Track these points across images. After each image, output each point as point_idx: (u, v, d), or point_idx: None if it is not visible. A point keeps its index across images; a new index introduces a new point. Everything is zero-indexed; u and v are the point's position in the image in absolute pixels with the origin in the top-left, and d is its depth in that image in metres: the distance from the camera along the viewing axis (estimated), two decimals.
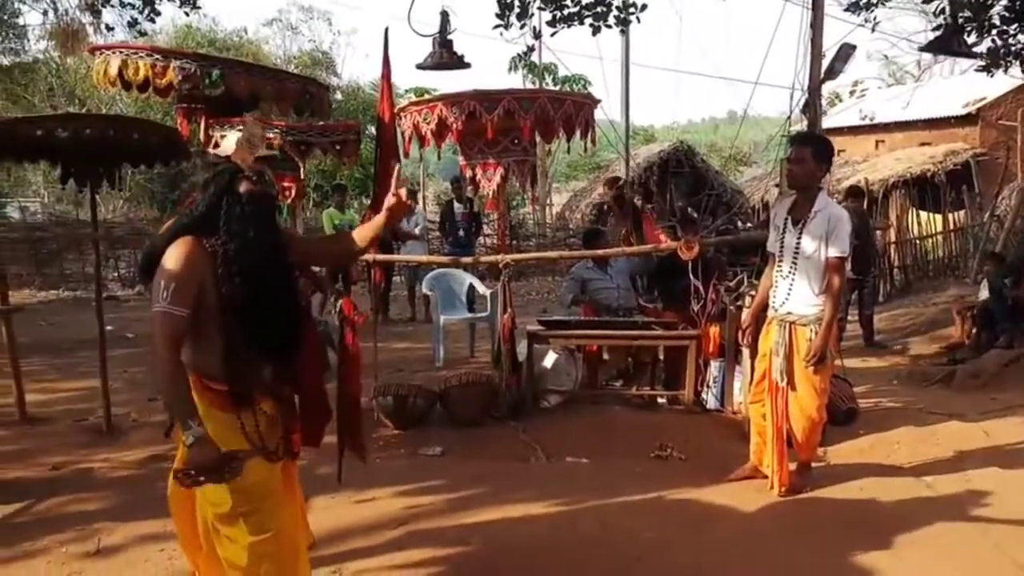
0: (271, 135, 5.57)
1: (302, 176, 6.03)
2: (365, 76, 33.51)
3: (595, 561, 3.44)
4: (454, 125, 5.22)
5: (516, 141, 5.39)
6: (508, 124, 5.22)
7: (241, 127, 2.60)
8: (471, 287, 8.29)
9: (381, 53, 5.46)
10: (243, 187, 2.38)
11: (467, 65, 5.93)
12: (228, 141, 2.53)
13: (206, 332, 2.33)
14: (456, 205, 10.32)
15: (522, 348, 5.74)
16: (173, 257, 2.27)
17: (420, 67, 5.87)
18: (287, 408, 2.60)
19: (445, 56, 5.75)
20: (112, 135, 4.77)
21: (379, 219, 2.68)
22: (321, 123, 6.19)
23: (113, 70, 5.24)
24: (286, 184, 5.95)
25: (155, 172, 18.26)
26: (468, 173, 5.63)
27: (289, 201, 6.14)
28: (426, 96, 7.39)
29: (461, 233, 10.08)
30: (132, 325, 9.62)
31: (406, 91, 19.42)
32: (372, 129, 10.10)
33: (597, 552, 3.52)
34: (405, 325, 10.18)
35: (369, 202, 5.97)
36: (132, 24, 8.94)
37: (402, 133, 5.65)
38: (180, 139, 5.44)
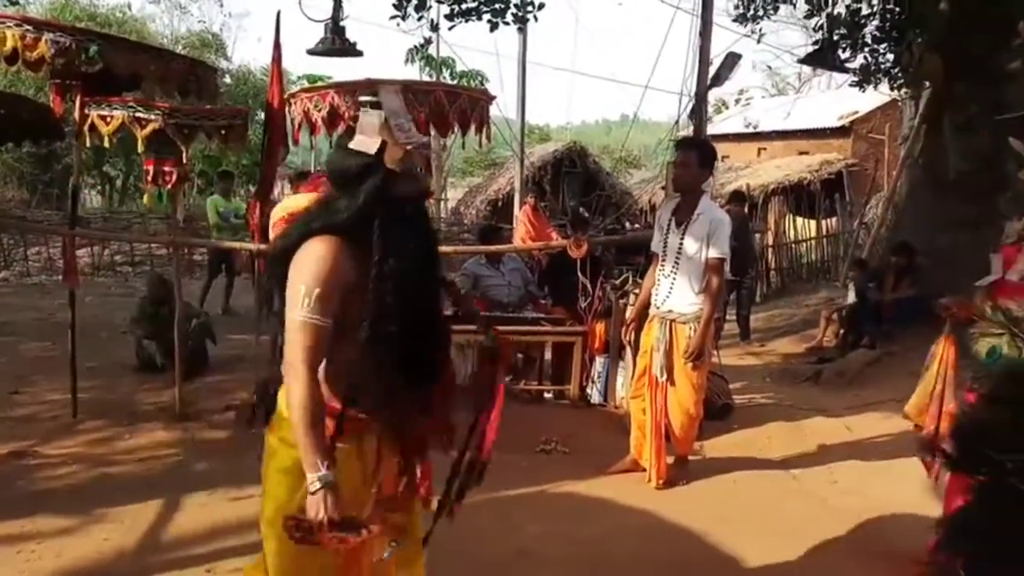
0: (152, 116, 5.33)
1: (184, 161, 5.80)
2: (257, 61, 32.42)
3: (478, 554, 3.46)
4: (346, 113, 5.13)
5: None
6: None
7: (372, 106, 2.13)
8: None
9: (272, 37, 5.33)
10: (398, 190, 2.00)
11: (359, 53, 5.83)
12: (368, 127, 2.03)
13: (336, 346, 1.97)
14: None
15: None
16: (317, 257, 1.91)
17: (311, 52, 5.75)
18: (412, 446, 2.20)
19: (337, 43, 5.64)
20: None
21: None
22: (207, 107, 5.96)
23: None
24: (167, 169, 5.69)
25: (24, 151, 17.14)
26: None
27: (170, 187, 5.89)
28: (319, 83, 7.24)
29: None
30: None
31: (299, 78, 18.93)
32: (263, 115, 9.80)
33: (481, 546, 3.54)
34: None
35: (255, 189, 5.80)
36: None
37: (291, 120, 5.51)
38: (53, 117, 5.13)
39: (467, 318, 2.64)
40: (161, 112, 5.38)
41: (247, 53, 58.04)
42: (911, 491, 4.05)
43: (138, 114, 4.94)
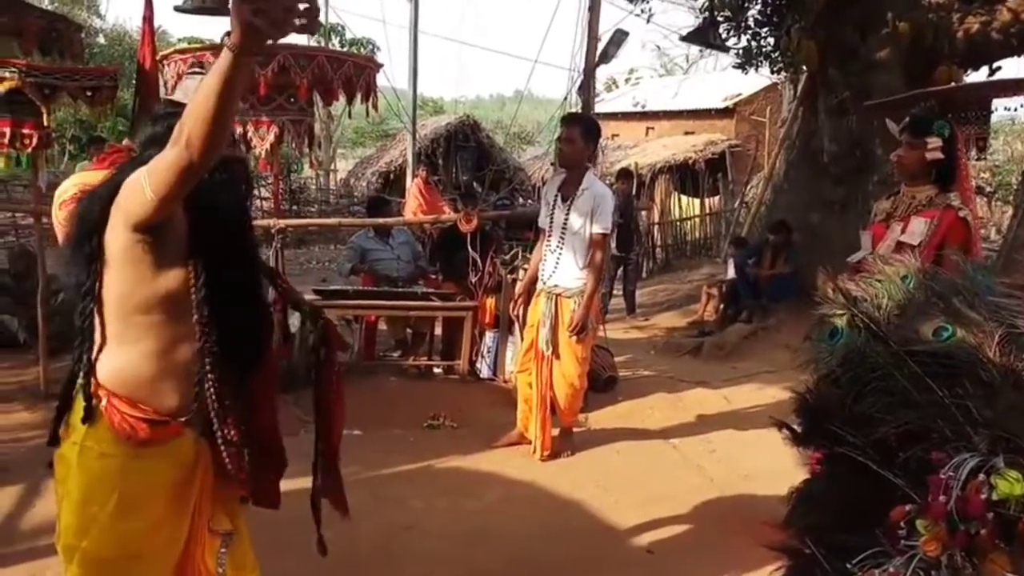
0: (7, 74, 4.95)
1: (46, 123, 5.43)
2: (132, 20, 30.65)
3: (363, 531, 3.41)
4: None
5: (292, 100, 5.15)
6: (283, 81, 4.96)
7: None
8: None
9: None
10: None
11: (229, 12, 5.57)
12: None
13: (146, 326, 1.74)
14: None
15: (296, 318, 5.54)
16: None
17: (178, 9, 5.45)
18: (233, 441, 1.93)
19: (208, 0, 5.36)
20: None
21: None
22: (70, 66, 5.59)
23: None
24: (26, 131, 5.33)
25: None
26: (239, 130, 5.31)
27: (30, 151, 5.51)
28: (194, 45, 6.89)
29: None
30: None
31: (179, 40, 18.04)
32: None
33: (365, 522, 3.49)
34: None
35: None
36: None
37: (164, 82, 5.23)
38: None
39: (293, 304, 2.37)
40: (17, 69, 5.01)
41: (123, 12, 54.76)
42: (783, 460, 4.24)
43: None
